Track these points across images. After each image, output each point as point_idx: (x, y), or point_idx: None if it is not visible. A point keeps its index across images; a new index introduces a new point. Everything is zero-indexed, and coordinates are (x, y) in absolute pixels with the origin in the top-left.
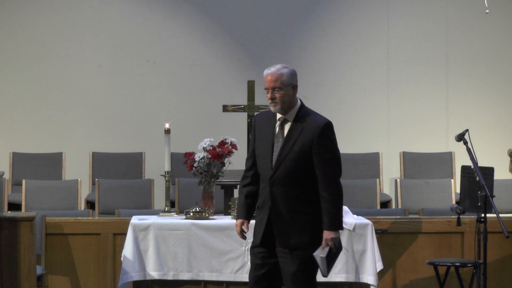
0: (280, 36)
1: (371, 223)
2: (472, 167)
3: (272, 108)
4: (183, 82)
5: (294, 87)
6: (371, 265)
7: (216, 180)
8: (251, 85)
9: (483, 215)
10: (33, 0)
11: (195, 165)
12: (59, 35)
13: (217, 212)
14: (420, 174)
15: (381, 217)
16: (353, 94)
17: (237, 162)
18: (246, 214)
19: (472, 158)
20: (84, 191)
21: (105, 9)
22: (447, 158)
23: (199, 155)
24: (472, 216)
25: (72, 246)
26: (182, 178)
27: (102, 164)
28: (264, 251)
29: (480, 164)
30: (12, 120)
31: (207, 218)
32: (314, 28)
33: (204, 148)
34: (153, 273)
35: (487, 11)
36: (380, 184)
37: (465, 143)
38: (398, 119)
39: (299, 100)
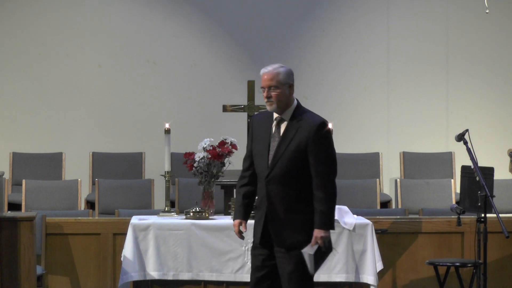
0: (280, 36)
1: (371, 223)
2: (472, 167)
3: (268, 107)
4: (183, 82)
5: (291, 87)
6: (371, 265)
7: (216, 180)
8: (251, 85)
9: (483, 215)
10: (33, 0)
11: (195, 165)
12: (59, 35)
13: (217, 212)
14: (420, 174)
15: (381, 217)
16: (353, 94)
17: (237, 162)
18: (243, 214)
19: (472, 158)
20: (84, 191)
21: (105, 9)
22: (447, 158)
23: (199, 155)
24: (472, 216)
25: (72, 246)
26: (182, 178)
27: (102, 164)
28: (263, 253)
29: (480, 164)
30: (12, 120)
31: (207, 218)
32: (314, 28)
33: (204, 148)
34: (153, 273)
35: (487, 11)
36: (380, 184)
37: (465, 143)
38: (398, 119)
39: (295, 99)
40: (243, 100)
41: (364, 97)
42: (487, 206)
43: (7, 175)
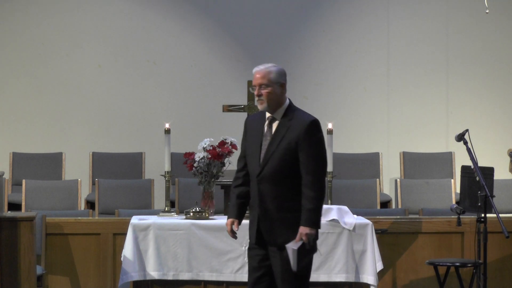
0: (280, 36)
1: (371, 223)
2: (472, 167)
3: (259, 106)
4: (183, 82)
5: (282, 86)
6: (371, 265)
7: (216, 180)
8: (251, 85)
9: (483, 215)
10: (33, 0)
11: (195, 165)
12: (59, 35)
13: (217, 212)
14: (420, 174)
15: (381, 217)
16: (353, 94)
17: (237, 162)
18: (236, 214)
19: (472, 158)
20: (84, 191)
21: (105, 9)
22: (447, 158)
23: (199, 155)
24: (472, 216)
25: (72, 246)
26: (182, 178)
27: (102, 164)
28: (260, 253)
29: (480, 164)
30: (12, 120)
31: (207, 218)
32: (314, 28)
33: (204, 148)
34: (153, 273)
35: (487, 11)
36: (380, 184)
37: (465, 143)
38: (398, 119)
39: (288, 99)
40: (243, 100)
41: (364, 98)
42: (487, 206)
43: (7, 175)
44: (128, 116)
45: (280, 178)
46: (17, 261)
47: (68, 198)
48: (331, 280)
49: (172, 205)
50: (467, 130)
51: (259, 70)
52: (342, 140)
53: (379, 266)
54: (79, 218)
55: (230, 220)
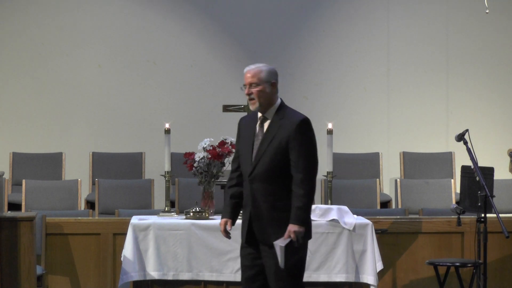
0: (280, 36)
1: (371, 223)
2: (472, 167)
3: (251, 107)
4: (183, 82)
5: (273, 85)
6: (371, 265)
7: (216, 180)
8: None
9: (483, 215)
10: (33, 0)
11: (195, 165)
12: (59, 35)
13: (217, 212)
14: (420, 174)
15: (381, 217)
16: (353, 94)
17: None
18: (230, 213)
19: (472, 158)
20: (84, 191)
21: (105, 9)
22: (447, 158)
23: (199, 155)
24: (472, 216)
25: (72, 246)
26: (182, 178)
27: (102, 164)
28: (252, 252)
29: (480, 164)
30: (12, 120)
31: (207, 218)
32: (314, 28)
33: (204, 148)
34: (153, 273)
35: (487, 11)
36: (380, 184)
37: (465, 143)
38: (398, 119)
39: (279, 98)
40: (243, 100)
41: (364, 97)
42: (487, 206)
43: (7, 175)
44: (128, 116)
45: (272, 177)
46: (17, 261)
47: (68, 198)
48: (331, 280)
49: (172, 205)
50: (467, 130)
51: (250, 69)
52: (342, 140)
53: (379, 266)
54: (79, 218)
55: (224, 220)
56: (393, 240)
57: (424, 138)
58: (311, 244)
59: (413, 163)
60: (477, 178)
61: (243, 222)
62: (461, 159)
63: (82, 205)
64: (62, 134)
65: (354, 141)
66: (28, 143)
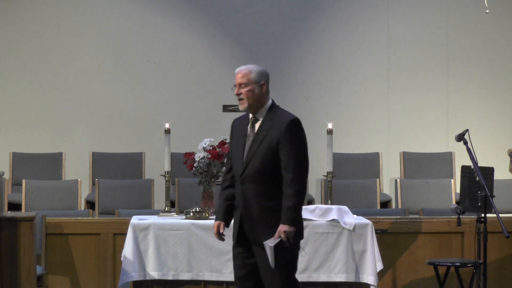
0: (280, 36)
1: (371, 223)
2: (472, 167)
3: (240, 107)
4: (183, 82)
5: (263, 86)
6: (371, 265)
7: (216, 180)
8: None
9: (483, 215)
10: (34, 0)
11: (195, 165)
12: (59, 35)
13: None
14: (420, 174)
15: (381, 217)
16: (353, 94)
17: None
18: (223, 216)
19: (472, 158)
20: (84, 191)
21: (105, 9)
22: (447, 158)
23: (199, 155)
24: (472, 216)
25: (72, 246)
26: (182, 178)
27: (102, 164)
28: (243, 251)
29: (480, 164)
30: (12, 120)
31: (207, 218)
32: (314, 28)
33: (204, 148)
34: (153, 273)
35: (487, 11)
36: (380, 184)
37: (465, 143)
38: (398, 119)
39: (270, 99)
40: None
41: (364, 97)
42: (487, 206)
43: (7, 175)
44: (128, 116)
45: (263, 177)
46: (17, 261)
47: (68, 198)
48: (331, 280)
49: (172, 205)
50: (467, 130)
51: (240, 70)
52: (342, 140)
53: (379, 266)
54: (79, 218)
55: (217, 222)
56: (393, 240)
57: (424, 138)
58: (311, 244)
59: (413, 163)
60: (477, 178)
61: (234, 223)
62: (461, 159)
63: (82, 205)
64: (62, 134)
65: (354, 141)
66: (28, 143)
